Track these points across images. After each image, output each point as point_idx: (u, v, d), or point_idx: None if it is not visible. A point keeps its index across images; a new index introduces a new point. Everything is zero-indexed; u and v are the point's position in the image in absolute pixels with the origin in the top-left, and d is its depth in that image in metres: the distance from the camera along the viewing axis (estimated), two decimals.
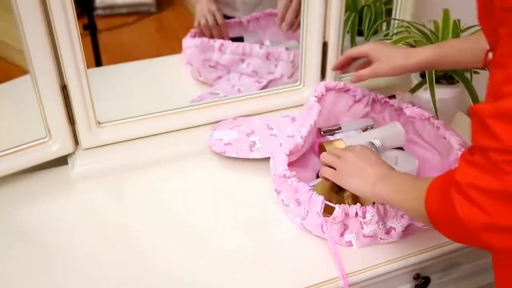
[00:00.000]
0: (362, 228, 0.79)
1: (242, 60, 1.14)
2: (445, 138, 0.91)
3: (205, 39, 1.13)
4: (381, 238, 0.81)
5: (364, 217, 0.78)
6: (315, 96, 0.97)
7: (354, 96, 1.01)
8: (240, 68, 1.15)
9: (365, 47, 0.91)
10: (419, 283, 0.85)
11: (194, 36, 1.17)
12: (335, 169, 0.80)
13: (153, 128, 0.99)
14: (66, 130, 0.92)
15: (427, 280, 0.86)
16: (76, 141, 0.95)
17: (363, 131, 0.99)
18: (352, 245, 0.81)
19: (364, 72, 0.90)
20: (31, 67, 0.85)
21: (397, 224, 0.80)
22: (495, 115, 0.49)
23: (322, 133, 0.99)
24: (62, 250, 0.81)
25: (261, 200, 0.90)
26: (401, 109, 0.99)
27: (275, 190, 0.88)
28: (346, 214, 0.78)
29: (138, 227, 0.85)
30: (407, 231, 0.82)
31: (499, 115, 0.49)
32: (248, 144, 0.96)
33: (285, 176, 0.85)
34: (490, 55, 0.56)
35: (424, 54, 0.86)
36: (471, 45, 0.84)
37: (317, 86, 1.00)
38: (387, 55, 0.87)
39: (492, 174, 0.50)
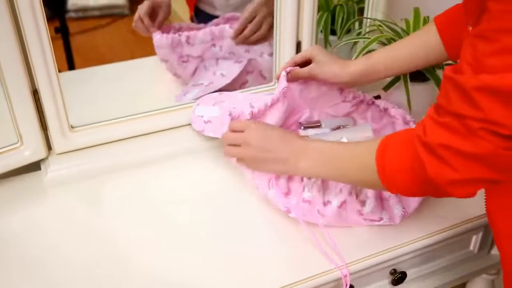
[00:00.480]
0: (303, 190, 0.80)
1: (214, 45, 1.12)
2: None
3: (174, 36, 1.10)
4: (318, 211, 0.81)
5: (309, 179, 0.80)
6: (285, 72, 0.93)
7: (345, 97, 1.00)
8: (213, 53, 1.13)
9: (308, 52, 0.93)
10: (395, 278, 0.86)
11: (163, 32, 1.13)
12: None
13: (128, 131, 0.99)
14: (38, 135, 0.91)
15: (403, 274, 0.87)
16: (49, 146, 0.94)
17: (334, 129, 0.99)
18: (289, 212, 0.81)
19: (301, 70, 0.93)
20: (0, 71, 0.83)
21: (334, 199, 0.80)
22: (481, 88, 0.53)
23: (302, 128, 1.00)
24: (36, 259, 0.79)
25: (243, 198, 0.90)
26: (386, 109, 0.98)
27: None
28: (290, 176, 0.81)
29: (116, 232, 0.84)
30: (342, 211, 0.82)
31: (484, 89, 0.52)
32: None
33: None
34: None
35: (354, 68, 0.89)
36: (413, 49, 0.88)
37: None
38: (327, 62, 0.90)
39: (467, 139, 0.55)
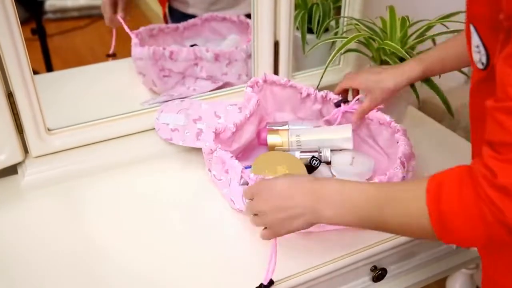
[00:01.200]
0: None
1: (196, 64, 1.12)
2: (398, 143, 0.89)
3: (157, 48, 1.09)
4: None
5: None
6: (250, 86, 0.97)
7: (300, 93, 1.01)
8: (194, 72, 1.13)
9: (354, 82, 0.94)
10: (376, 274, 0.87)
11: (142, 44, 1.12)
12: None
13: (105, 133, 0.98)
14: (14, 138, 0.89)
15: (384, 271, 0.88)
16: (26, 150, 0.92)
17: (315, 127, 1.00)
18: None
19: (364, 106, 0.93)
20: None
21: None
22: None
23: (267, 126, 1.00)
24: (14, 265, 0.78)
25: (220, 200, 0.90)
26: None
27: (209, 169, 0.89)
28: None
29: (94, 235, 0.83)
30: None
31: None
32: (195, 131, 0.96)
33: (211, 150, 0.86)
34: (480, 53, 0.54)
35: (411, 73, 0.89)
36: (455, 50, 0.87)
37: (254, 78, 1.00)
38: (377, 85, 0.90)
39: None
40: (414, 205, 0.57)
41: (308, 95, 1.00)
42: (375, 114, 0.95)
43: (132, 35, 1.11)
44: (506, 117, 0.49)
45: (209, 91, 1.10)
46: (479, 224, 0.53)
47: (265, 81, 1.00)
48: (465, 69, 0.98)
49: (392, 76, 0.90)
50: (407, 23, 1.03)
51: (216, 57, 1.10)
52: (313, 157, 0.90)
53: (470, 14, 0.57)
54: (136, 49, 1.10)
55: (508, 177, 0.50)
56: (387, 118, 0.93)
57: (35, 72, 0.88)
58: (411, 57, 0.97)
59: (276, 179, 0.68)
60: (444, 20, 1.00)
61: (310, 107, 1.02)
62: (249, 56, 1.11)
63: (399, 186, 0.62)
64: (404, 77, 0.89)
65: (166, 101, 1.03)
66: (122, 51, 1.24)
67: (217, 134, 0.90)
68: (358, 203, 0.62)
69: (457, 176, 0.55)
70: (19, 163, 0.93)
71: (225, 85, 1.13)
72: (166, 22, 1.26)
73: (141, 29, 1.17)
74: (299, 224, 0.66)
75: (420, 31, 1.03)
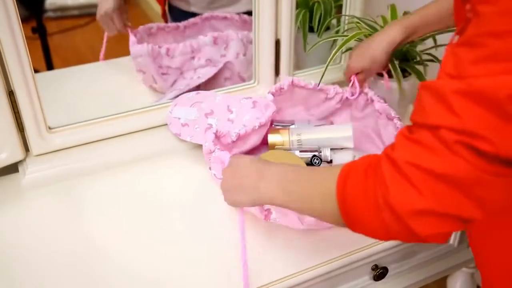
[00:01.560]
0: None
1: (193, 57, 1.12)
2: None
3: (154, 47, 1.09)
4: (298, 218, 0.80)
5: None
6: (271, 93, 0.97)
7: (326, 93, 1.01)
8: (192, 65, 1.13)
9: (355, 67, 0.96)
10: (377, 273, 0.87)
11: (141, 42, 1.12)
12: None
13: (107, 132, 0.98)
14: (14, 137, 0.89)
15: (385, 270, 0.88)
16: (27, 148, 0.92)
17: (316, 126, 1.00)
18: (268, 218, 0.81)
19: (360, 78, 0.97)
20: None
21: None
22: (463, 92, 0.44)
23: (274, 125, 1.01)
24: (14, 265, 0.78)
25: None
26: (372, 101, 0.98)
27: (210, 168, 0.89)
28: None
29: (94, 235, 0.83)
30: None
31: (466, 92, 0.44)
32: (204, 127, 0.96)
33: (210, 150, 0.86)
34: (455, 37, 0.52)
35: (393, 34, 0.91)
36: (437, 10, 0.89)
37: (282, 81, 1.00)
38: (371, 64, 0.94)
39: (440, 155, 0.45)
40: (326, 194, 0.55)
41: (336, 94, 1.00)
42: (384, 107, 0.95)
43: (131, 34, 1.12)
44: (427, 97, 0.47)
45: (221, 88, 1.09)
46: (372, 211, 0.50)
47: (291, 84, 0.99)
48: None
49: (378, 45, 0.92)
50: None
51: (215, 40, 1.11)
52: (314, 156, 0.90)
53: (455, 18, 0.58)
54: (134, 47, 1.10)
55: (403, 154, 0.48)
56: (392, 113, 0.93)
57: (36, 71, 0.88)
58: (412, 56, 0.97)
59: (245, 156, 0.73)
60: None
61: (334, 105, 1.02)
62: (248, 41, 1.11)
63: (324, 169, 0.61)
64: (385, 44, 0.91)
65: (181, 94, 1.02)
66: (122, 49, 1.24)
67: (217, 137, 0.89)
68: (290, 182, 0.62)
69: (365, 163, 0.53)
70: (20, 162, 0.93)
71: (225, 66, 1.13)
72: (166, 20, 1.26)
73: (140, 28, 1.17)
74: (244, 198, 0.68)
75: None
